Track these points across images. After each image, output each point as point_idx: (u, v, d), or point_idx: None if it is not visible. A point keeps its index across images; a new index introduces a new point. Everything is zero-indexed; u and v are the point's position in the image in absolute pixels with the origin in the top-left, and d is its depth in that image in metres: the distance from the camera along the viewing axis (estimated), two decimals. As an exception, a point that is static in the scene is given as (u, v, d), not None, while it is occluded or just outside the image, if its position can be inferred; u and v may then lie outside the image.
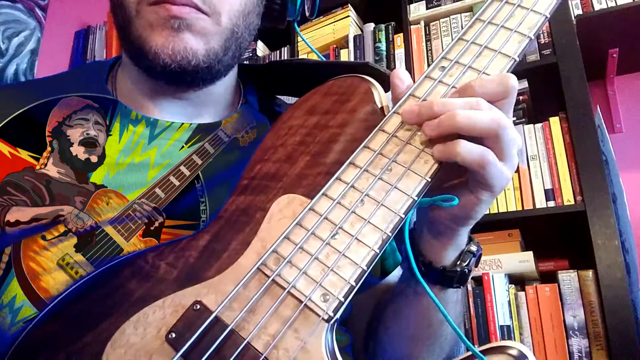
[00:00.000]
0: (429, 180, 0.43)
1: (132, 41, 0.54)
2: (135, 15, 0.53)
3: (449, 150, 0.43)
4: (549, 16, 0.49)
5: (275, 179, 0.48)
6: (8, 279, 0.50)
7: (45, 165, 0.55)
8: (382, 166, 0.44)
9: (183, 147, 0.58)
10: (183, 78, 0.56)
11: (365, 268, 0.41)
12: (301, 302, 0.40)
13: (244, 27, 0.57)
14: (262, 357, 0.38)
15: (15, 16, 1.93)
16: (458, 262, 0.50)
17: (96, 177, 0.54)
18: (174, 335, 0.40)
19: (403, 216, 0.42)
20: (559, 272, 1.32)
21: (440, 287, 0.51)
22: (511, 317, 1.33)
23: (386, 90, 0.52)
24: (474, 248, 0.51)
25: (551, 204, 1.37)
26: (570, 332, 1.26)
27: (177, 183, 0.56)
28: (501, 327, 1.33)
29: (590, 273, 1.28)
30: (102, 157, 0.56)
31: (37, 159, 0.55)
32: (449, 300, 0.52)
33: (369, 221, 0.42)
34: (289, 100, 0.69)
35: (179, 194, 0.55)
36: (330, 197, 0.44)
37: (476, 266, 0.52)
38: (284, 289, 0.41)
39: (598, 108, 1.47)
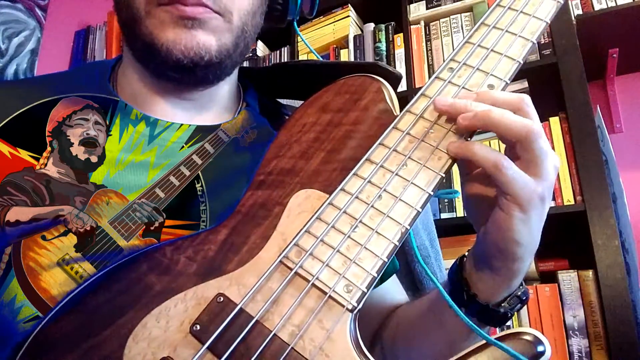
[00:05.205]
0: (443, 175, 0.44)
1: (141, 39, 0.54)
2: (145, 15, 0.54)
3: (466, 147, 0.43)
4: (549, 22, 0.50)
5: (291, 175, 0.49)
6: (8, 279, 0.50)
7: (45, 165, 0.55)
8: (398, 162, 0.45)
9: (183, 147, 0.58)
10: (193, 75, 0.57)
11: (385, 260, 0.42)
12: (325, 293, 0.41)
13: (251, 26, 0.59)
14: (290, 347, 0.39)
15: (15, 16, 1.92)
16: (503, 303, 0.48)
17: (96, 177, 0.54)
18: (198, 327, 0.40)
19: (420, 210, 0.43)
20: (559, 272, 1.32)
21: (476, 321, 0.48)
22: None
23: (394, 90, 0.53)
24: (520, 293, 0.49)
25: (551, 204, 1.37)
26: (570, 332, 1.26)
27: (177, 183, 0.56)
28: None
29: (590, 273, 1.28)
30: (102, 157, 0.56)
31: (37, 159, 0.55)
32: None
33: (388, 215, 0.43)
34: (291, 103, 0.69)
35: (179, 194, 0.55)
36: (349, 192, 0.45)
37: (519, 310, 0.50)
38: (308, 281, 0.41)
39: (598, 108, 1.47)
